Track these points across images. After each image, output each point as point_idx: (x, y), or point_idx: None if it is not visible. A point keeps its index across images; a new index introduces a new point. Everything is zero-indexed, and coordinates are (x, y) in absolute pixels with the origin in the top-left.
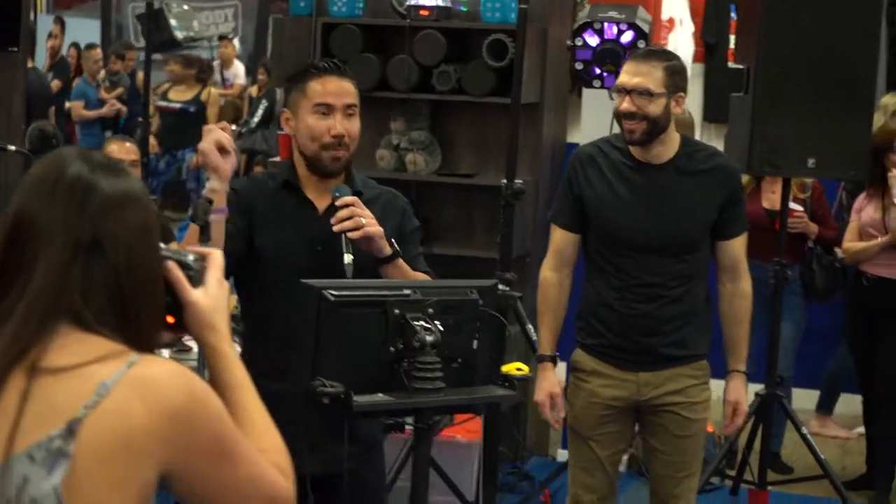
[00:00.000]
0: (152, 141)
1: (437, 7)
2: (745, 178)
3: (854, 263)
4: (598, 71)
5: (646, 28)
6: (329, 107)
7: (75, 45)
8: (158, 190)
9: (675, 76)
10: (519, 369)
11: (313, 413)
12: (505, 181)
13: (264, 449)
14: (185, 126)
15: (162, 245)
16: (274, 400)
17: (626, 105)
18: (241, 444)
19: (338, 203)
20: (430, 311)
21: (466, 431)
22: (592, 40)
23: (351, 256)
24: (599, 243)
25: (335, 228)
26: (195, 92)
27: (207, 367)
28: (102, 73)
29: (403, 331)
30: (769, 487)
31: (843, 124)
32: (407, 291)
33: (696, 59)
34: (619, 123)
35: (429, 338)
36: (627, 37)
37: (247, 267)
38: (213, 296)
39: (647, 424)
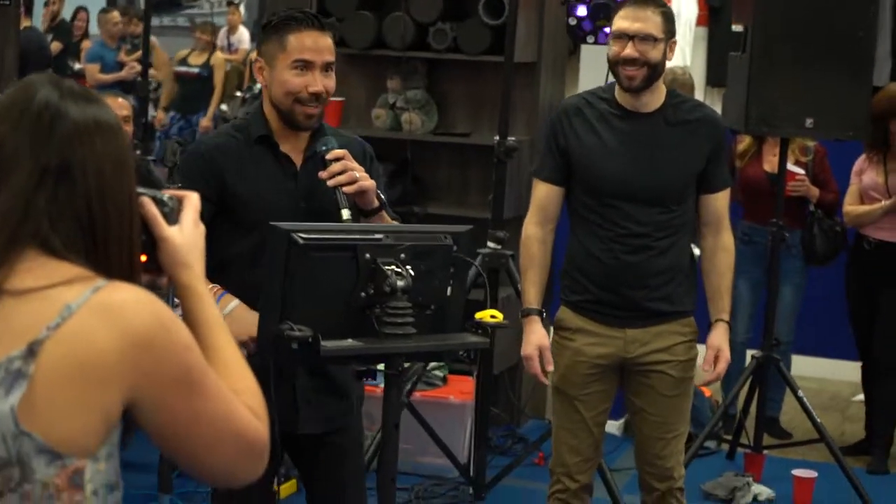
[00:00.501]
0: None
1: None
2: (746, 141)
3: (855, 227)
4: (591, 26)
5: None
6: (308, 63)
7: (83, 8)
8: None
9: (670, 22)
10: (493, 316)
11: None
12: (498, 139)
13: (238, 390)
14: (199, 91)
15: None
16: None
17: (629, 51)
18: (211, 380)
19: (329, 156)
20: (403, 256)
21: (460, 393)
22: None
23: (349, 211)
24: (586, 194)
25: (329, 183)
26: (206, 57)
27: (181, 305)
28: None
29: (374, 276)
30: (765, 451)
31: (842, 85)
32: (379, 236)
33: (699, 22)
34: (615, 71)
35: (400, 283)
36: None
37: (222, 233)
38: (187, 234)
39: (633, 384)
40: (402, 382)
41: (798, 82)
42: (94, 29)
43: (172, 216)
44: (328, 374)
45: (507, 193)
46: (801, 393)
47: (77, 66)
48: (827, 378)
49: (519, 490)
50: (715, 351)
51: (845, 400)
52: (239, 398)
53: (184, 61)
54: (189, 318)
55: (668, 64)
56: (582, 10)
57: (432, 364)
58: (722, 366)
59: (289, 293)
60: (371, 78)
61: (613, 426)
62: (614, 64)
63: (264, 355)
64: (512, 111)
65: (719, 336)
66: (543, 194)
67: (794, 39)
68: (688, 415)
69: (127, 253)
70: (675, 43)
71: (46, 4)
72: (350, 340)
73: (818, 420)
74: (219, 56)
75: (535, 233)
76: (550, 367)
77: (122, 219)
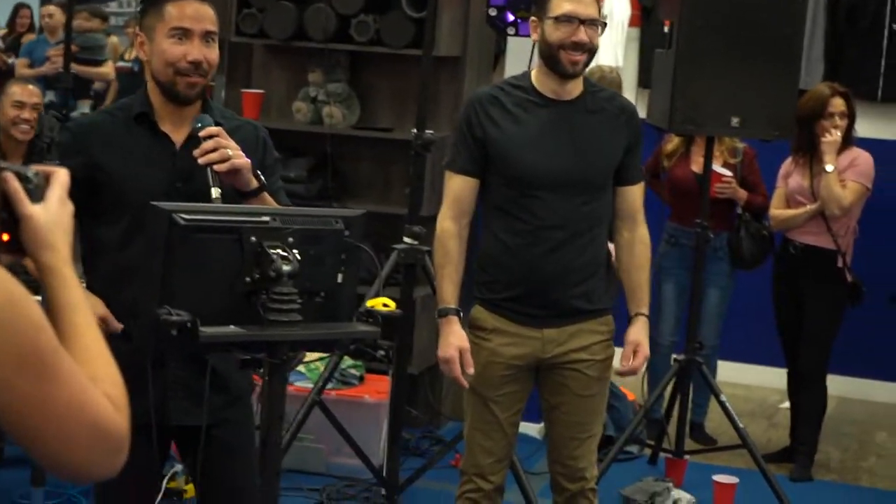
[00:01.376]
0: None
1: None
2: (674, 141)
3: (781, 231)
4: (511, 17)
5: None
6: (186, 31)
7: (24, 5)
8: None
9: (602, 6)
10: (385, 305)
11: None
12: (415, 131)
13: (97, 378)
14: (134, 85)
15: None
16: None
17: (581, 35)
18: (64, 364)
19: (201, 134)
20: (290, 240)
21: (376, 392)
22: None
23: (219, 190)
24: (505, 185)
25: (201, 161)
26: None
27: (42, 287)
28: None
29: (260, 260)
30: (687, 457)
31: (768, 83)
32: (266, 218)
33: (632, 22)
34: (556, 56)
35: (285, 267)
36: None
37: (92, 213)
38: (52, 212)
39: (548, 383)
40: (286, 372)
41: (724, 80)
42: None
43: (37, 193)
44: (204, 362)
45: (428, 189)
46: (723, 397)
47: (11, 60)
48: (754, 385)
49: (434, 492)
50: (633, 346)
51: (772, 406)
52: (97, 386)
53: (122, 57)
54: (51, 301)
55: (600, 61)
56: (502, 0)
57: (348, 362)
58: (639, 360)
59: (169, 276)
60: (292, 70)
61: (534, 429)
62: (559, 48)
63: (140, 341)
64: (436, 106)
65: (638, 330)
66: (458, 187)
67: (720, 36)
68: (602, 415)
69: None
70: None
71: None
72: (232, 327)
73: (741, 425)
74: None
75: (450, 227)
76: (471, 370)
77: None
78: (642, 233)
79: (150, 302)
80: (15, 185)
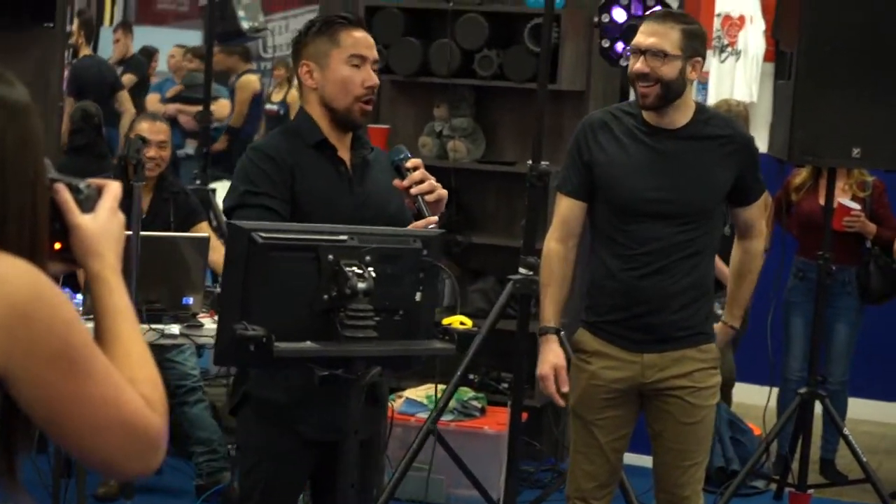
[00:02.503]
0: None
1: None
2: (802, 175)
3: None
4: (623, 49)
5: (674, 4)
6: (363, 58)
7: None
8: None
9: (694, 39)
10: (462, 323)
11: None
12: (530, 163)
13: (136, 379)
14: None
15: (53, 171)
16: None
17: (639, 66)
18: (98, 362)
19: (408, 165)
20: (367, 258)
21: (496, 424)
22: (620, 16)
23: (435, 218)
24: (608, 210)
25: (413, 191)
26: (283, 93)
27: (90, 293)
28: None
29: (337, 277)
30: (812, 492)
31: (891, 113)
32: (343, 237)
33: (766, 57)
34: (633, 87)
35: (360, 285)
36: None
37: None
38: (101, 222)
39: (652, 410)
40: (363, 387)
41: (844, 110)
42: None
43: (88, 204)
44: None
45: (549, 220)
46: (846, 431)
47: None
48: (891, 422)
49: None
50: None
51: None
52: (135, 387)
53: (269, 99)
54: (96, 306)
55: (732, 96)
56: (614, 32)
57: (470, 394)
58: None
59: (248, 293)
60: (417, 105)
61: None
62: (631, 80)
63: (220, 356)
64: (560, 140)
65: (723, 333)
66: (566, 209)
67: (840, 66)
68: (707, 443)
69: (28, 234)
70: (699, 62)
71: (116, 41)
72: (308, 343)
73: (864, 459)
74: (293, 93)
75: (555, 248)
76: (565, 388)
77: (23, 197)
78: (754, 245)
79: (229, 317)
80: (66, 196)
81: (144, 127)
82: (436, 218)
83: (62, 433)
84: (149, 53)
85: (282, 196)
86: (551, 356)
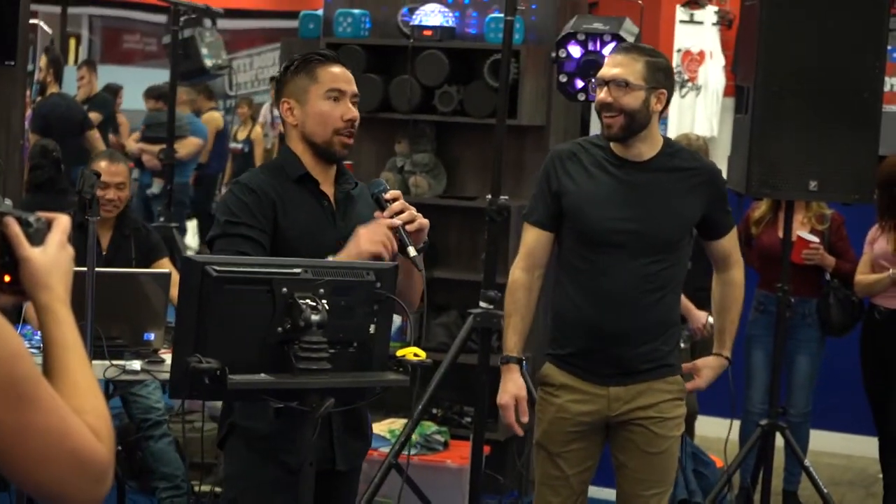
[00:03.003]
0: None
1: (441, 27)
2: (762, 208)
3: (866, 296)
4: (581, 84)
5: (630, 39)
6: (341, 92)
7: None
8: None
9: (657, 72)
10: (416, 354)
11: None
12: (490, 197)
13: (84, 410)
14: (243, 165)
15: (5, 202)
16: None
17: (602, 96)
18: (44, 392)
19: (387, 196)
20: (321, 291)
21: (459, 458)
22: (576, 51)
23: (414, 248)
24: (575, 240)
25: (395, 220)
26: (247, 131)
27: (39, 326)
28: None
29: (291, 310)
30: None
31: (846, 146)
32: (297, 270)
33: (726, 92)
34: (599, 118)
35: (314, 317)
36: (611, 49)
37: None
38: (51, 255)
39: (616, 439)
40: (316, 420)
41: (801, 144)
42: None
43: (38, 237)
44: (354, 411)
45: (511, 253)
46: (808, 463)
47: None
48: (855, 454)
49: None
50: (699, 368)
51: (872, 476)
52: (82, 418)
53: (234, 137)
54: (44, 338)
55: (692, 130)
56: (571, 67)
57: (433, 428)
58: (697, 383)
59: (202, 326)
60: (379, 141)
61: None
62: (597, 111)
63: (174, 388)
64: (521, 174)
65: (709, 361)
66: (532, 239)
67: (796, 101)
68: (672, 474)
69: None
70: (663, 94)
71: (80, 79)
72: (262, 375)
73: (825, 491)
74: (258, 130)
75: (520, 278)
76: (525, 418)
77: None
78: (734, 275)
79: (184, 350)
80: (15, 230)
81: (102, 166)
82: (413, 249)
83: (10, 464)
84: (113, 91)
85: (261, 227)
86: (511, 386)
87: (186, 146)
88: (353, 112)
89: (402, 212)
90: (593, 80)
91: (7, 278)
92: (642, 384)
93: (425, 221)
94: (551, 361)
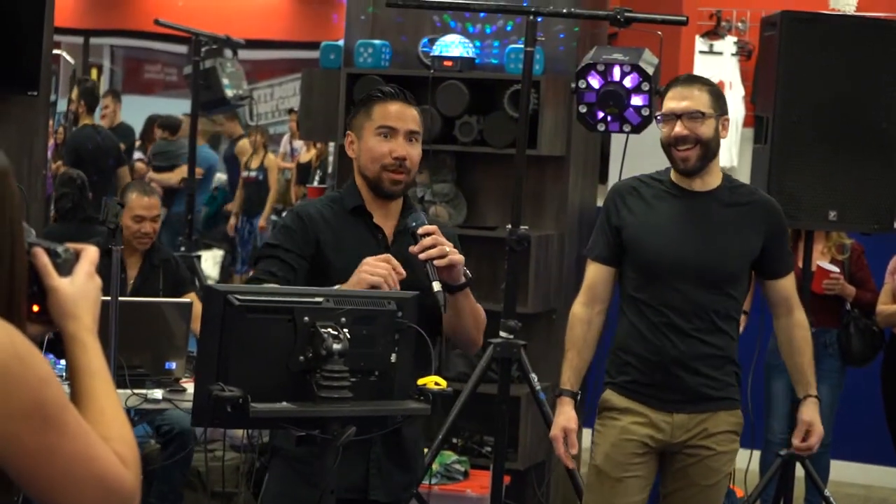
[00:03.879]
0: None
1: (461, 58)
2: None
3: (888, 326)
4: (601, 114)
5: (650, 70)
6: (392, 130)
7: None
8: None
9: (720, 99)
10: (437, 383)
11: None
12: (510, 227)
13: (109, 437)
14: (257, 193)
15: (32, 234)
16: None
17: (678, 129)
18: (71, 418)
19: (420, 231)
20: (343, 320)
21: (479, 487)
22: (595, 82)
23: (440, 284)
24: (637, 272)
25: (421, 256)
26: (260, 159)
27: (66, 355)
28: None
29: (312, 339)
30: None
31: (865, 176)
32: (318, 299)
33: (746, 123)
34: (669, 154)
35: (336, 346)
36: (631, 80)
37: None
38: (78, 285)
39: (670, 466)
40: (338, 448)
41: (820, 174)
42: None
43: (66, 267)
44: (400, 444)
45: (534, 285)
46: (827, 492)
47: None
48: (876, 485)
49: None
50: (806, 426)
51: None
52: (109, 444)
53: (247, 166)
54: (71, 366)
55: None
56: (591, 97)
57: (453, 457)
58: (814, 439)
59: (225, 354)
60: None
61: None
62: (667, 146)
63: (197, 417)
64: (540, 204)
65: (810, 411)
66: (594, 274)
67: (815, 130)
68: None
69: (5, 296)
70: (727, 120)
71: (104, 108)
72: (284, 403)
73: None
74: (271, 158)
75: (580, 312)
76: (575, 450)
77: (1, 260)
78: (798, 317)
79: (206, 378)
80: (44, 260)
81: (135, 199)
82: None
83: (36, 488)
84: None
85: (299, 251)
86: (562, 418)
87: (178, 174)
88: (403, 150)
89: (432, 246)
90: (657, 116)
91: (35, 308)
92: (706, 413)
93: (458, 257)
94: (612, 389)
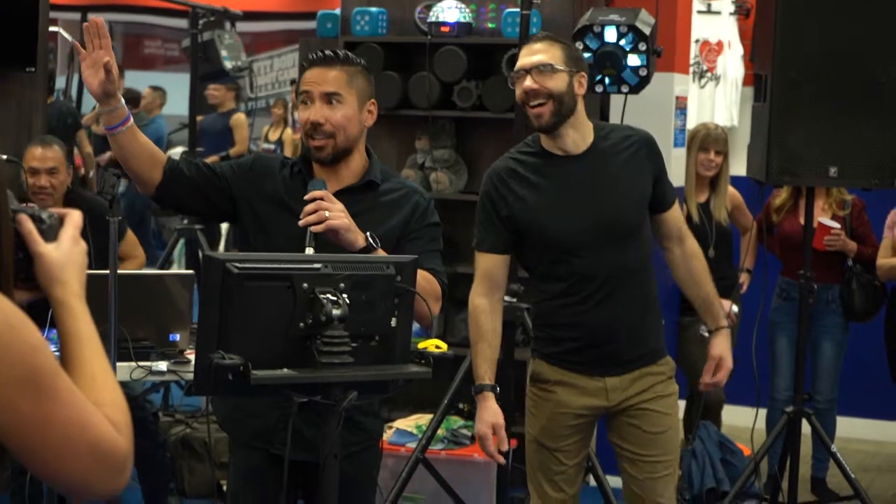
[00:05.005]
0: None
1: (458, 23)
2: (782, 195)
3: (888, 281)
4: (598, 76)
5: (647, 31)
6: (308, 94)
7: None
8: None
9: (575, 55)
10: (438, 346)
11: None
12: None
13: (101, 402)
14: None
15: (15, 202)
16: None
17: (528, 83)
18: (63, 384)
19: (306, 198)
20: (342, 285)
21: None
22: (592, 44)
23: (311, 250)
24: (542, 252)
25: (300, 223)
26: (279, 132)
27: (55, 320)
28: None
29: (312, 305)
30: None
31: (866, 132)
32: (317, 265)
33: (745, 82)
34: (526, 112)
35: (335, 311)
36: (628, 40)
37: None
38: (64, 250)
39: (617, 428)
40: (341, 413)
41: (821, 131)
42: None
43: (51, 233)
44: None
45: None
46: (834, 448)
47: None
48: (883, 440)
49: None
50: (716, 360)
51: None
52: (101, 409)
53: (266, 138)
54: (60, 332)
55: (712, 120)
56: (588, 59)
57: (459, 422)
58: (722, 374)
59: (224, 323)
60: (399, 138)
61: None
62: (522, 106)
63: (198, 384)
64: None
65: (719, 343)
66: (488, 264)
67: (815, 87)
68: (677, 456)
69: None
70: (584, 77)
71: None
72: (285, 370)
73: (853, 476)
74: (288, 132)
75: (481, 304)
76: (504, 446)
77: None
78: (691, 245)
79: (206, 347)
80: (29, 226)
81: (28, 152)
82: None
83: (30, 455)
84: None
85: (221, 171)
86: (487, 414)
87: None
88: (317, 114)
89: (313, 213)
90: (510, 73)
91: (21, 275)
92: (636, 371)
93: (338, 223)
94: (541, 359)
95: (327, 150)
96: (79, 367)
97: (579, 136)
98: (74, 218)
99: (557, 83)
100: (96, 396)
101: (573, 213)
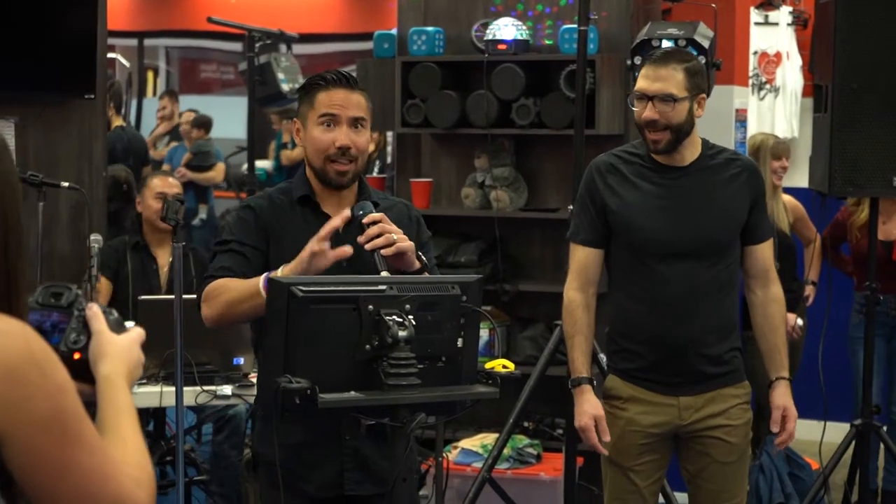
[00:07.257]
0: None
1: (515, 41)
2: (864, 212)
3: None
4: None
5: (705, 44)
6: (334, 117)
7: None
8: None
9: (696, 76)
10: (505, 366)
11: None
12: (570, 208)
13: (127, 462)
14: None
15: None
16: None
17: (648, 113)
18: (87, 430)
19: (365, 220)
20: (407, 306)
21: (552, 470)
22: None
23: (387, 273)
24: (628, 254)
25: (367, 247)
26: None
27: (97, 394)
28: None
29: (378, 327)
30: None
31: None
32: (382, 287)
33: (805, 93)
34: (642, 132)
35: (401, 333)
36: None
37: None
38: (122, 341)
39: (688, 452)
40: (409, 435)
41: (882, 140)
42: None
43: (115, 325)
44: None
45: None
46: None
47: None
48: None
49: None
50: (781, 410)
51: None
52: (124, 467)
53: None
54: (100, 402)
55: (772, 131)
56: None
57: (525, 441)
58: (790, 425)
59: (291, 346)
60: (458, 157)
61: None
62: (640, 126)
63: (267, 409)
64: None
65: (782, 394)
66: (582, 258)
67: (876, 96)
68: (745, 482)
69: (2, 278)
70: (703, 99)
71: (162, 109)
72: (352, 393)
73: None
74: None
75: (576, 298)
76: (607, 437)
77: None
78: (775, 291)
79: (272, 371)
80: (96, 311)
81: (158, 183)
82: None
83: (50, 501)
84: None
85: (254, 243)
86: (587, 406)
87: (220, 172)
88: (346, 138)
89: (378, 235)
90: (627, 94)
91: (77, 356)
92: (712, 392)
93: (406, 244)
94: (615, 374)
95: (349, 174)
96: (113, 430)
97: (688, 152)
98: (139, 330)
99: (678, 114)
100: (122, 454)
101: (667, 219)
